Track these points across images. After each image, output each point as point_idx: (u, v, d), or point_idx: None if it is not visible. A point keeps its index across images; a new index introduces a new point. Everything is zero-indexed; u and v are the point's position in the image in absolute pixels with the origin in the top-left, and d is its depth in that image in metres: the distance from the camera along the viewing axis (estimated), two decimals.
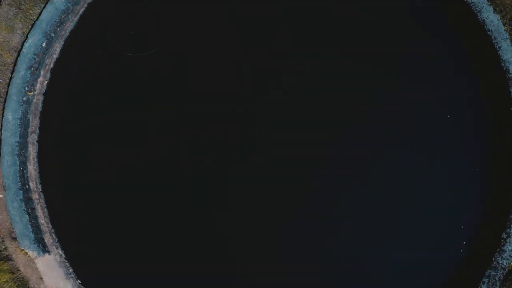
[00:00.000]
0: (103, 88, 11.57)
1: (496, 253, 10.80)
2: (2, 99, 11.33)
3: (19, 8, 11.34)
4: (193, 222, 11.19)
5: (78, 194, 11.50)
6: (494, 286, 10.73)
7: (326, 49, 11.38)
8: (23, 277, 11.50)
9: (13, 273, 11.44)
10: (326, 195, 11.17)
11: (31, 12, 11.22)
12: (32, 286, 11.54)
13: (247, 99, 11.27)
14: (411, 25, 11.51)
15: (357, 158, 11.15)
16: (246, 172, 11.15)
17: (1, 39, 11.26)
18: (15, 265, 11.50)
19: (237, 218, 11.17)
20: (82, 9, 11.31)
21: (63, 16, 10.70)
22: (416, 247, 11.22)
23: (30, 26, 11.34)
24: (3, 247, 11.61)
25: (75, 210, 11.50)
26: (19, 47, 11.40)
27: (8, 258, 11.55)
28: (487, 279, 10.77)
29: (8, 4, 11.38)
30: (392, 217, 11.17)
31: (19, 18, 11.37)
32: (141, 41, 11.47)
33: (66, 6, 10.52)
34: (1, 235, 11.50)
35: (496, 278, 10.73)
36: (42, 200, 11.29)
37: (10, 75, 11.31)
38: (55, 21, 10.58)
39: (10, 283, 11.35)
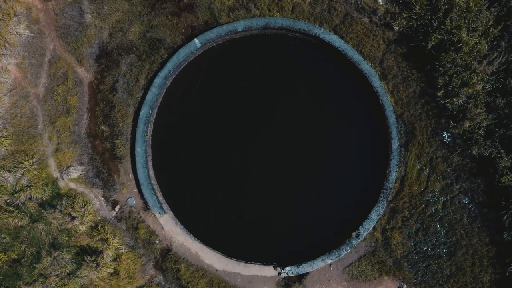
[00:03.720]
0: (183, 132, 19.70)
1: (385, 180, 20.43)
2: (129, 141, 21.49)
3: (130, 94, 21.06)
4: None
5: (177, 185, 19.58)
6: (387, 197, 20.40)
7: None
8: (152, 229, 19.62)
9: (146, 228, 20.76)
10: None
11: (137, 95, 21.22)
12: (157, 233, 20.46)
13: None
14: (333, 84, 20.06)
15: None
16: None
17: (123, 111, 21.24)
18: (147, 224, 19.59)
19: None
20: (164, 91, 21.24)
21: (157, 97, 20.91)
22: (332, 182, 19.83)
23: (137, 103, 21.19)
24: (139, 215, 21.14)
25: (176, 192, 19.72)
26: (133, 113, 20.91)
27: (143, 221, 19.73)
28: (382, 195, 20.50)
29: (122, 91, 21.44)
30: (309, 168, 19.36)
31: (130, 98, 21.09)
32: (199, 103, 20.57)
33: (158, 91, 20.58)
34: (137, 210, 21.41)
35: (387, 193, 20.67)
36: (159, 189, 20.05)
37: (131, 128, 21.48)
38: (154, 100, 20.75)
39: (146, 233, 20.43)
